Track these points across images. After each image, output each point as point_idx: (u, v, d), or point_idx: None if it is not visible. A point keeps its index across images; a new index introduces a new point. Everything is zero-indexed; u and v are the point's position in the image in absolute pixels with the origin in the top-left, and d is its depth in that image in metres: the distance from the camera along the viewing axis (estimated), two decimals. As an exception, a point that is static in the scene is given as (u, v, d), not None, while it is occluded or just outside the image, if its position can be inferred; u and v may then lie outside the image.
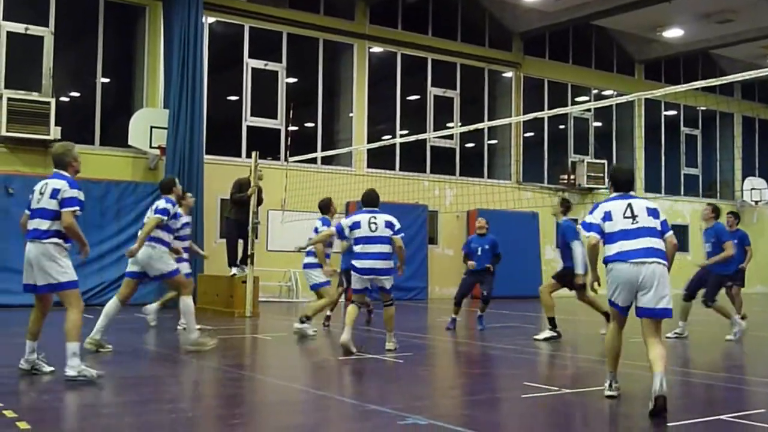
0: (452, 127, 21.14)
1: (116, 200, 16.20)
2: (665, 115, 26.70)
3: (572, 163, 23.85)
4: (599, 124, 25.04)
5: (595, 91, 24.95)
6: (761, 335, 12.81)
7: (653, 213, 6.26)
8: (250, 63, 18.80)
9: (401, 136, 20.17)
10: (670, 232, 6.30)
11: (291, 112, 18.59)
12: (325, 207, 11.37)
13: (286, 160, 17.27)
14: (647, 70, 26.10)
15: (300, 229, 17.64)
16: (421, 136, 16.77)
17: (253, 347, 10.52)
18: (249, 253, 13.93)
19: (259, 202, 14.43)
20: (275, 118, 19.00)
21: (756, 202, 27.60)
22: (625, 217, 6.20)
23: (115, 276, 15.85)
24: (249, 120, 18.60)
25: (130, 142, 16.56)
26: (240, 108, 18.62)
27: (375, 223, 8.97)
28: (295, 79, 19.63)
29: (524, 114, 21.17)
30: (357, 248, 8.99)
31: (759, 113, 29.10)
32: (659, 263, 6.06)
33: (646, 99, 23.85)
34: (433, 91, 21.62)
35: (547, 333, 10.79)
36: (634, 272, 6.03)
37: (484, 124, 18.61)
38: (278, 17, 18.96)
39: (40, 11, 16.25)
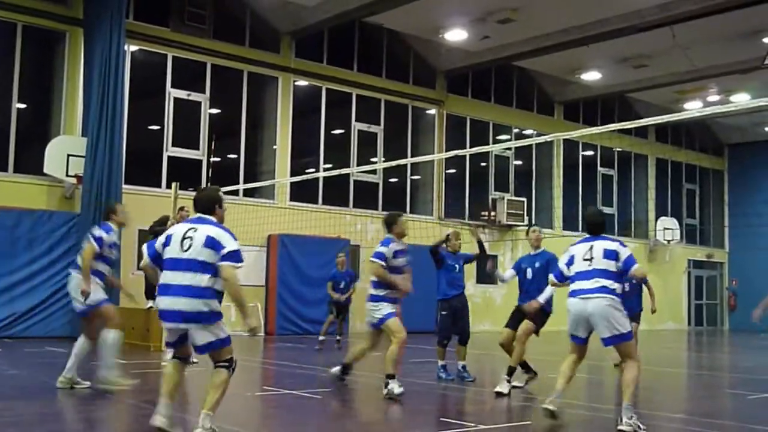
0: (376, 162, 21.28)
1: (29, 229, 15.72)
2: (583, 155, 27.40)
3: (493, 200, 24.23)
4: (519, 162, 25.53)
5: (516, 130, 25.47)
6: (678, 371, 13.13)
7: (610, 255, 6.84)
8: (173, 93, 18.59)
9: (325, 169, 20.19)
10: (635, 266, 6.85)
11: (213, 143, 18.44)
12: (389, 224, 8.96)
13: (207, 191, 17.07)
14: (566, 110, 26.79)
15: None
16: (344, 171, 16.82)
17: (168, 382, 10.25)
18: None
19: None
20: (197, 148, 18.80)
21: (668, 241, 28.46)
22: (584, 260, 6.91)
23: (26, 307, 15.39)
24: (170, 150, 18.34)
25: (45, 170, 16.12)
26: (161, 138, 18.36)
27: (190, 238, 5.71)
28: (218, 110, 19.49)
29: (447, 151, 21.48)
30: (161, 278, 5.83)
31: (671, 156, 30.16)
32: (605, 297, 6.68)
33: (564, 139, 24.45)
34: (357, 125, 21.74)
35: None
36: (581, 306, 6.75)
37: (407, 160, 18.85)
38: (202, 48, 18.83)
39: (-46, 33, 15.81)
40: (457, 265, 10.28)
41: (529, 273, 9.48)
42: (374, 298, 8.60)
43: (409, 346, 13.46)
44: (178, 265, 5.63)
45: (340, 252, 15.61)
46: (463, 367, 10.05)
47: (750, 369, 13.97)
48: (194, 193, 6.10)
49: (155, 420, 5.60)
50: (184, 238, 5.67)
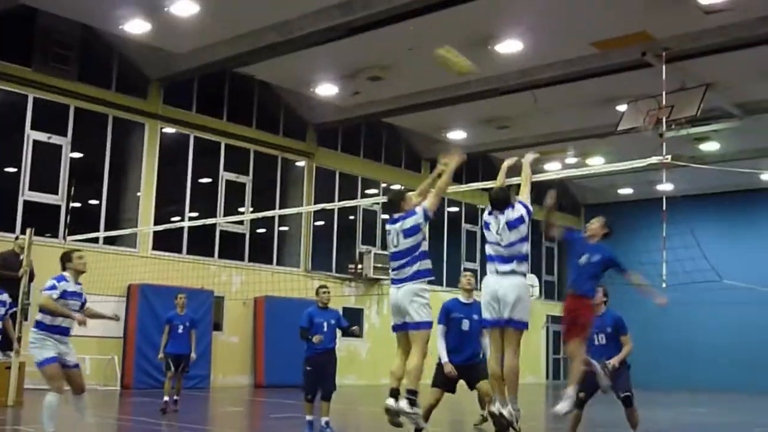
0: (243, 213, 21.05)
1: None
2: (448, 211, 28.04)
3: (360, 254, 24.38)
4: (386, 216, 25.81)
5: (384, 185, 25.83)
6: (535, 426, 13.42)
7: None
8: (32, 135, 17.84)
9: (190, 218, 19.81)
10: None
11: (73, 188, 17.78)
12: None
13: (64, 238, 16.40)
14: (432, 167, 27.16)
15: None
16: (210, 221, 16.56)
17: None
18: (16, 336, 12.93)
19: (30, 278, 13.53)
20: (56, 193, 18.06)
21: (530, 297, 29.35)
22: None
23: None
24: (26, 194, 17.54)
25: None
26: (17, 181, 17.54)
27: None
28: (80, 154, 18.84)
29: (315, 203, 21.54)
30: None
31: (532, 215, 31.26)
32: None
33: (431, 195, 24.92)
34: (225, 175, 21.48)
35: None
36: None
37: (275, 212, 18.78)
38: (66, 90, 18.22)
39: None
40: (325, 323, 10.05)
41: (466, 325, 8.88)
42: None
43: (275, 402, 13.17)
44: None
45: (180, 293, 13.40)
46: (327, 423, 9.84)
47: (604, 423, 14.44)
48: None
49: None
50: None
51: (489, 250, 7.31)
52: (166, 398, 12.36)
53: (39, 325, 7.88)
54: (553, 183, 9.35)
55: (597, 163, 24.51)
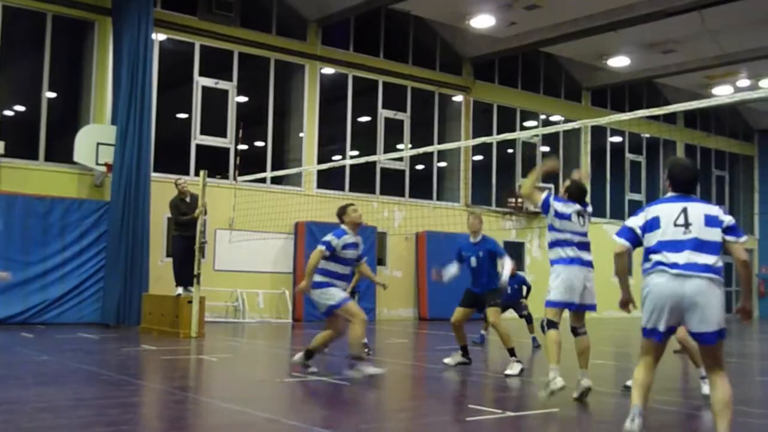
0: (402, 150, 21.27)
1: (60, 217, 15.93)
2: (611, 142, 27.21)
3: (520, 187, 24.12)
4: (546, 148, 25.41)
5: (543, 117, 25.33)
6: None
7: (713, 221, 5.06)
8: (201, 81, 18.70)
9: (351, 157, 20.23)
10: (744, 239, 5.21)
11: (241, 131, 18.54)
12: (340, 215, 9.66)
13: (234, 179, 17.19)
14: (594, 96, 26.60)
15: (247, 248, 17.59)
16: (371, 158, 16.81)
17: (198, 368, 10.39)
18: (195, 272, 13.77)
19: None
20: (225, 136, 18.91)
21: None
22: (675, 225, 5.04)
23: (58, 294, 15.60)
24: (198, 138, 18.47)
25: (75, 159, 16.29)
26: (189, 126, 18.50)
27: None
28: (245, 98, 19.59)
29: (473, 137, 21.43)
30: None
31: (700, 142, 29.84)
32: (710, 279, 4.97)
33: (592, 125, 24.26)
34: (383, 113, 21.74)
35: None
36: (674, 286, 4.91)
37: (434, 147, 18.80)
38: (229, 36, 18.91)
39: (-15, 23, 15.99)
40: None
41: (473, 262, 10.16)
42: (321, 285, 8.99)
43: (439, 334, 13.45)
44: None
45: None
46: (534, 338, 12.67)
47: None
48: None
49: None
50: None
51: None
52: None
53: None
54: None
55: (772, 85, 22.98)
